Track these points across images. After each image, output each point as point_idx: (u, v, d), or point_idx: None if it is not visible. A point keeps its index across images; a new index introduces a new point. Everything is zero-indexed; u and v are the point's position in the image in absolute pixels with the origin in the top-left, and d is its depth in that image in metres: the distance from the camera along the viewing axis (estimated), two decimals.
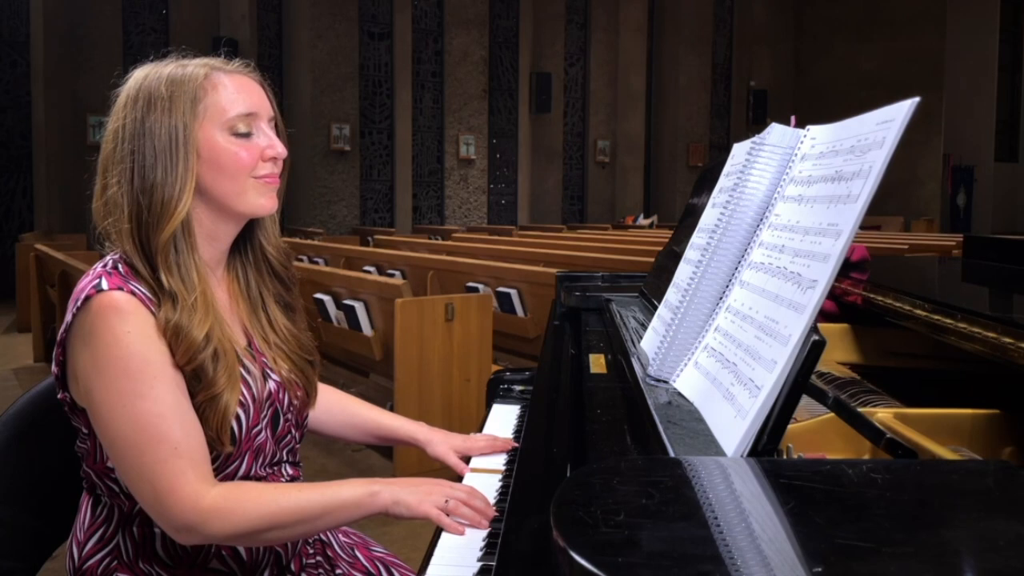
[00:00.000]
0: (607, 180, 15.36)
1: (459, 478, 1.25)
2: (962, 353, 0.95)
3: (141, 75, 1.10)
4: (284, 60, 11.81)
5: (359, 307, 3.98)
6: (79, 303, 1.01)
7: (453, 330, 3.59)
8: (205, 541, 1.04)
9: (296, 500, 1.04)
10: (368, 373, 4.30)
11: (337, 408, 1.37)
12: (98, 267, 1.06)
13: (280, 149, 1.12)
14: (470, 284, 4.67)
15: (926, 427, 0.90)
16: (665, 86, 15.83)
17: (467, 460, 1.30)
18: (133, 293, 1.02)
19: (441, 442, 1.32)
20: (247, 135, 1.10)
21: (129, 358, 0.99)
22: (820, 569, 0.48)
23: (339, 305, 4.20)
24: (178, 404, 1.02)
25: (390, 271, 5.43)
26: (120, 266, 1.05)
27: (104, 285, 1.01)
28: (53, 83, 9.72)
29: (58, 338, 1.06)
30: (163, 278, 1.04)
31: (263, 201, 1.12)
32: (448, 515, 1.06)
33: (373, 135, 12.77)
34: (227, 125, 1.08)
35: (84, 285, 1.03)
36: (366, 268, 5.65)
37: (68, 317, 1.03)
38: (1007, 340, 0.85)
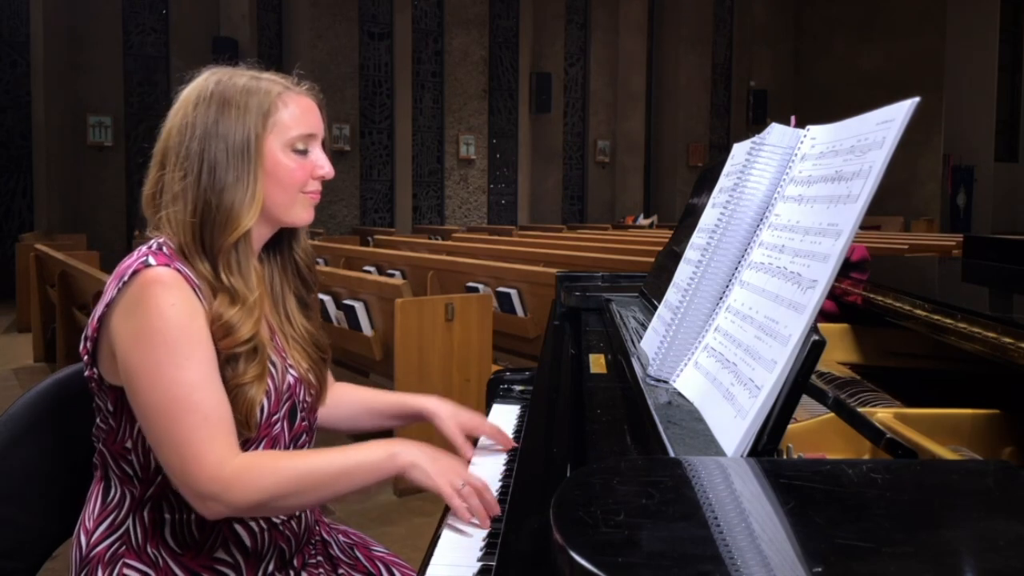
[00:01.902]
0: (607, 180, 15.35)
1: (465, 462, 1.25)
2: (962, 353, 0.95)
3: (214, 78, 1.15)
4: (284, 60, 11.79)
5: (359, 307, 3.98)
6: (125, 278, 1.06)
7: (453, 330, 3.59)
8: (229, 511, 1.05)
9: (315, 463, 1.08)
10: (368, 373, 4.30)
11: (347, 398, 1.41)
12: (143, 248, 1.11)
13: (329, 170, 1.19)
14: (470, 284, 4.67)
15: (926, 427, 0.90)
16: (665, 86, 15.83)
17: (474, 442, 1.31)
18: (178, 271, 1.07)
19: (449, 417, 1.31)
20: (304, 152, 1.16)
21: (169, 329, 1.03)
22: (820, 569, 0.48)
23: (339, 305, 4.19)
24: (211, 377, 1.06)
25: (390, 271, 5.43)
26: (165, 248, 1.10)
27: (152, 261, 1.06)
28: (53, 83, 9.70)
29: (95, 315, 1.09)
30: (223, 275, 1.10)
31: (305, 215, 1.20)
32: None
33: (373, 135, 12.77)
34: (289, 142, 1.15)
35: (130, 263, 1.07)
36: (366, 268, 5.66)
37: (112, 292, 1.07)
38: (1007, 340, 0.85)
